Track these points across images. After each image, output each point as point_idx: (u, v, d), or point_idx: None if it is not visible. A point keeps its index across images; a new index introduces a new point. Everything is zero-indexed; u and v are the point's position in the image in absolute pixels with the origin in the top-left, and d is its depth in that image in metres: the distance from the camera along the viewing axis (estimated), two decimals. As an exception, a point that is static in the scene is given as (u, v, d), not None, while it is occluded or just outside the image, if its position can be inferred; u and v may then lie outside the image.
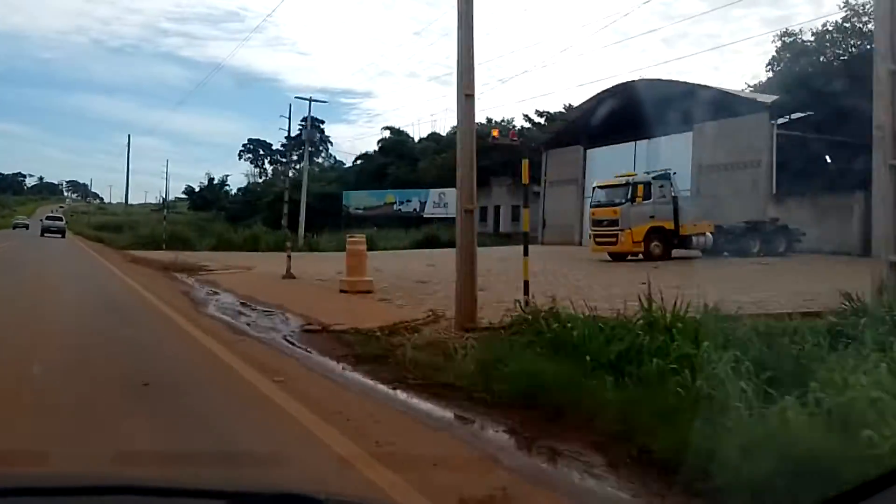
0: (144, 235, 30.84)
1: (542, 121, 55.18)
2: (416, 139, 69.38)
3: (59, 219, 55.14)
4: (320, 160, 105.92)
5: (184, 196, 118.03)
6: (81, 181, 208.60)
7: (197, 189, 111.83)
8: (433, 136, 67.90)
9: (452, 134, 67.49)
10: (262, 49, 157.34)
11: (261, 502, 1.00)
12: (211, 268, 16.67)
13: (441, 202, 56.60)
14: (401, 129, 68.35)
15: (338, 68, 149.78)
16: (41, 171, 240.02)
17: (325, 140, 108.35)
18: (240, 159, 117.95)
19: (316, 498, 1.00)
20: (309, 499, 1.01)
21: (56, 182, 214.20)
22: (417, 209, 58.21)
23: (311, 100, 39.94)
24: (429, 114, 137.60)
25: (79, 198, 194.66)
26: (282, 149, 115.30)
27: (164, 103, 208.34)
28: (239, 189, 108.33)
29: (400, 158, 65.48)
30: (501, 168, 48.71)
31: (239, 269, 16.65)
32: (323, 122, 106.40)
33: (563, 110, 54.23)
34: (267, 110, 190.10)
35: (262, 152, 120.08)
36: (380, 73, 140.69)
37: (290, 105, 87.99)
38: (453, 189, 38.65)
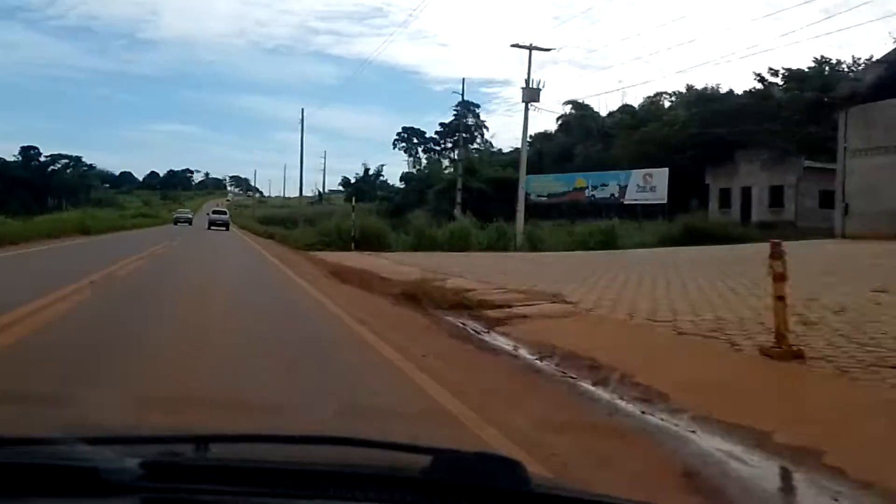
0: (327, 231, 24.19)
1: (778, 80, 44.06)
2: (604, 113, 59.96)
3: (224, 213, 56.19)
4: (474, 147, 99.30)
5: (339, 188, 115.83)
6: (243, 176, 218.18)
7: (353, 180, 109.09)
8: (626, 109, 58.25)
9: (649, 104, 57.71)
10: (405, 43, 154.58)
11: (463, 460, 1.01)
12: (491, 298, 8.89)
13: (647, 185, 47.11)
14: (584, 102, 59.03)
15: (477, 58, 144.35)
16: (207, 167, 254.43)
17: (481, 126, 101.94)
18: (394, 148, 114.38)
19: (517, 461, 1.02)
20: (510, 461, 1.02)
21: (220, 177, 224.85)
22: (616, 194, 49.00)
23: (531, 47, 29.23)
24: (617, 82, 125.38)
25: (241, 192, 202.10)
26: (436, 136, 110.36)
27: (315, 100, 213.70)
28: (401, 178, 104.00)
29: (587, 137, 56.43)
30: (746, 137, 38.36)
31: (539, 300, 8.76)
32: (479, 105, 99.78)
33: (814, 65, 42.89)
34: (411, 102, 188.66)
35: (415, 141, 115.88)
36: (519, 60, 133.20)
37: (463, 80, 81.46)
38: (663, 170, 28.29)
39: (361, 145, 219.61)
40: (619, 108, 59.36)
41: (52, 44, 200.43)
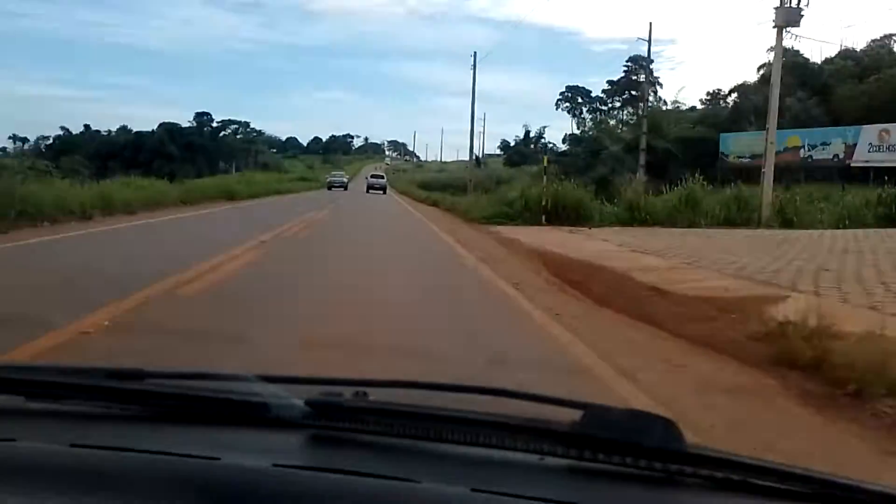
0: (508, 200, 18.93)
1: None
2: (820, 60, 49.89)
3: (381, 177, 55.14)
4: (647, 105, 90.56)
5: (497, 153, 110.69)
6: (401, 140, 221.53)
7: (512, 143, 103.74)
8: (848, 55, 48.06)
9: (878, 48, 47.21)
10: (562, 2, 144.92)
11: (613, 415, 1.00)
12: None
13: (884, 144, 38.11)
14: (796, 49, 49.21)
15: (638, 17, 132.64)
16: (367, 132, 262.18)
17: (654, 82, 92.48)
18: (556, 109, 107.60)
19: (670, 420, 0.99)
20: (663, 419, 0.99)
21: (379, 142, 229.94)
22: (840, 155, 40.28)
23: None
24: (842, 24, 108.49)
25: (398, 156, 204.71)
26: (603, 96, 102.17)
27: (469, 65, 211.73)
28: (564, 139, 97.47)
29: (799, 87, 47.10)
30: None
31: None
32: (652, 60, 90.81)
33: None
34: (569, 64, 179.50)
35: (580, 100, 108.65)
36: (684, 15, 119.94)
37: (650, 24, 73.24)
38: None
39: (518, 108, 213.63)
40: (839, 53, 49.18)
41: (225, 18, 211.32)
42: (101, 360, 3.11)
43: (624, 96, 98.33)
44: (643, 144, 45.21)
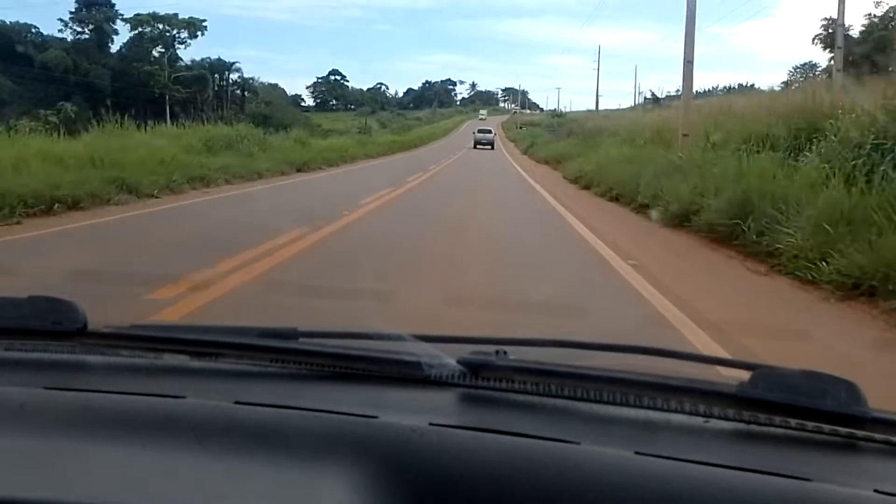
0: None
1: None
2: None
3: (489, 131, 56.52)
4: None
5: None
6: (520, 87, 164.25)
7: (857, 36, 41.32)
8: None
9: None
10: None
11: (786, 377, 0.95)
12: None
13: None
14: None
15: None
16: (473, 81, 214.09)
17: None
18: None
19: (851, 381, 0.94)
20: (842, 381, 0.93)
21: (491, 90, 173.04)
22: None
23: None
24: None
25: (515, 107, 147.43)
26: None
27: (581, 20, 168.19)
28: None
29: None
30: None
31: None
32: None
33: None
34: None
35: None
36: None
37: None
38: None
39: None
40: None
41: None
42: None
43: None
44: None
